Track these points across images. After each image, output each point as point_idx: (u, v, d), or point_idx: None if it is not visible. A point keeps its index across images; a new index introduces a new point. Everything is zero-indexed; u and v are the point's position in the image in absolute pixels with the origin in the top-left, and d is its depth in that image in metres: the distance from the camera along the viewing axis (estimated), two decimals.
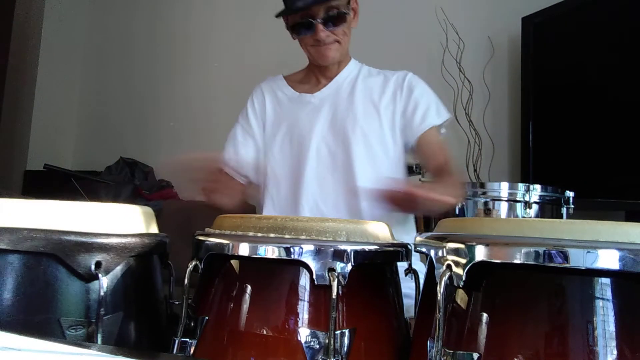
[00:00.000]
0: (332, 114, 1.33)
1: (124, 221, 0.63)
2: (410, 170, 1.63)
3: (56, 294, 0.55)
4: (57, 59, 3.51)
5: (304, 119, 1.35)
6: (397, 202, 0.93)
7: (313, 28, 1.25)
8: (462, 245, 0.49)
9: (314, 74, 1.41)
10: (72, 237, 0.56)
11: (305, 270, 0.56)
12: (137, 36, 3.57)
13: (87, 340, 0.55)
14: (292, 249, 0.55)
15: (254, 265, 0.60)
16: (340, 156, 1.29)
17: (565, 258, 0.44)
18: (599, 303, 0.44)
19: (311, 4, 1.22)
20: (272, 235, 0.59)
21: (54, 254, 0.55)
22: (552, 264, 0.44)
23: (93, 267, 0.56)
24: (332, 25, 1.25)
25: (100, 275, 0.55)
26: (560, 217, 1.74)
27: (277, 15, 1.31)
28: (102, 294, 0.55)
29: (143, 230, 0.65)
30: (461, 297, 0.50)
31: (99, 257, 0.56)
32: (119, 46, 3.62)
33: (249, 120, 1.41)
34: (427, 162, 1.34)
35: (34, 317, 0.54)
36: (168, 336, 0.59)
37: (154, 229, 0.69)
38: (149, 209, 0.69)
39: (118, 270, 0.59)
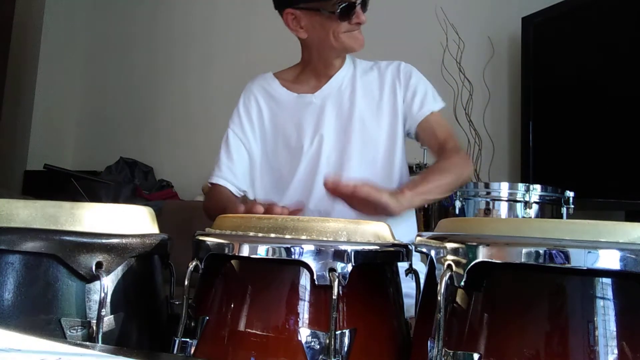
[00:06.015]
0: (337, 114, 1.30)
1: (125, 221, 0.63)
2: (410, 170, 1.61)
3: (57, 294, 0.55)
4: (57, 59, 3.51)
5: (309, 120, 1.30)
6: (358, 204, 0.92)
7: (353, 13, 1.20)
8: (462, 246, 0.49)
9: (313, 73, 1.35)
10: (73, 238, 0.56)
11: (305, 270, 0.56)
12: (137, 36, 3.57)
13: (87, 341, 0.55)
14: (292, 249, 0.55)
15: (255, 265, 0.59)
16: (346, 157, 1.26)
17: (566, 258, 0.44)
18: (600, 303, 0.44)
19: None
20: (272, 235, 0.59)
21: (55, 255, 0.55)
22: (552, 264, 0.44)
23: (94, 267, 0.56)
24: (365, 8, 1.23)
25: (101, 275, 0.55)
26: (560, 217, 1.74)
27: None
28: (103, 294, 0.55)
29: (144, 231, 0.65)
30: (462, 297, 0.50)
31: (99, 257, 0.56)
32: (119, 46, 3.62)
33: (242, 126, 1.34)
34: (428, 143, 1.31)
35: (35, 318, 0.54)
36: (169, 336, 0.59)
37: (154, 229, 0.69)
38: (149, 209, 0.69)
39: (119, 270, 0.59)
